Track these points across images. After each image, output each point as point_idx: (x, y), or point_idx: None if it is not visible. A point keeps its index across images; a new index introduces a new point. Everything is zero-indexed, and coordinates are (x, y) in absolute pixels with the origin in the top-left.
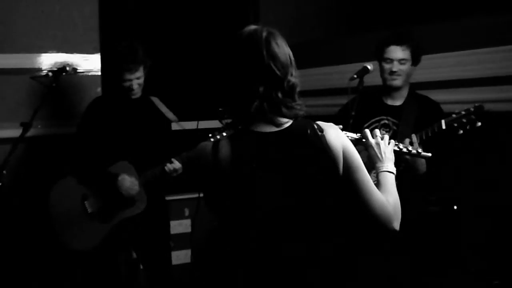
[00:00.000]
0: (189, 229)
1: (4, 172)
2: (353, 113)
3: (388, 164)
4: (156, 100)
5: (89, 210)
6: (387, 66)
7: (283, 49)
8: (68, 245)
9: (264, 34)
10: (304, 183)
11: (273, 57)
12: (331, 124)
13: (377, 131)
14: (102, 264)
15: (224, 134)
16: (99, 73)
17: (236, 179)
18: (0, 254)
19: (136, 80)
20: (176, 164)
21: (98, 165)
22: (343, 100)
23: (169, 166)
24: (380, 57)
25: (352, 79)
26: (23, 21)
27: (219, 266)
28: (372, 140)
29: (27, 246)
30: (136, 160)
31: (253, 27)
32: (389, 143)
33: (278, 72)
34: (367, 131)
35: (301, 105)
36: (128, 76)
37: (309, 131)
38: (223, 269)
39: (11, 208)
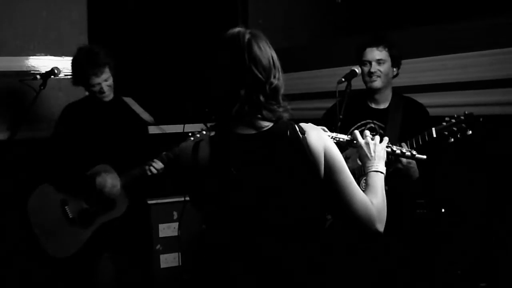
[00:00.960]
0: (177, 233)
1: None
2: (340, 116)
3: (378, 163)
4: (130, 101)
5: (70, 216)
6: (365, 68)
7: (265, 52)
8: (50, 252)
9: (247, 36)
10: (281, 185)
11: (255, 60)
12: (313, 125)
13: (367, 132)
14: (81, 270)
15: (204, 133)
16: None
17: (214, 180)
18: None
19: (105, 82)
20: (159, 164)
21: (75, 169)
22: (330, 103)
23: (152, 167)
24: (360, 61)
25: (340, 82)
26: (12, 24)
27: (207, 268)
28: (361, 140)
29: (7, 253)
30: (114, 162)
31: (236, 29)
32: (381, 142)
33: (259, 75)
34: (357, 132)
35: (284, 108)
36: (95, 80)
37: (288, 133)
38: (210, 271)
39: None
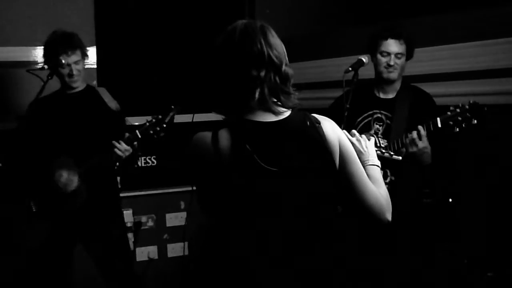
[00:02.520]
0: (184, 222)
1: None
2: (347, 106)
3: (373, 157)
4: (101, 90)
5: (34, 209)
6: (383, 59)
7: (278, 40)
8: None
9: (259, 24)
10: (304, 176)
11: (270, 45)
12: (326, 117)
13: (353, 131)
14: (55, 263)
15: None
16: (95, 66)
17: (236, 169)
18: None
19: (75, 65)
20: (123, 145)
21: (34, 162)
22: (338, 93)
23: (116, 148)
24: (375, 51)
25: (347, 71)
26: (19, 14)
27: (216, 260)
28: (352, 138)
29: None
30: (78, 152)
31: (244, 20)
32: (369, 139)
33: (276, 60)
34: (345, 131)
35: (295, 96)
36: (66, 59)
37: (308, 123)
38: (220, 263)
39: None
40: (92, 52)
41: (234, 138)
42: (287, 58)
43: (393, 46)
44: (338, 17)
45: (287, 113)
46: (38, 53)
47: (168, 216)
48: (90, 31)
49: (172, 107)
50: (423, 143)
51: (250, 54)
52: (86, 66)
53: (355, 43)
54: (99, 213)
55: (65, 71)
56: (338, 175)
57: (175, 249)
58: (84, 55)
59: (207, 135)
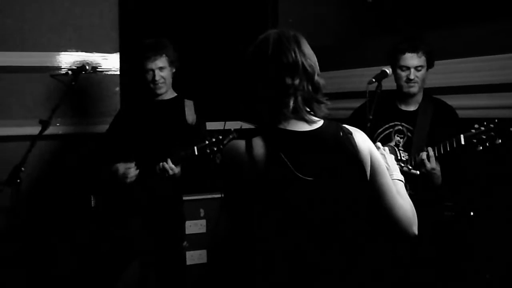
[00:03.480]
0: (204, 230)
1: (23, 169)
2: (370, 117)
3: (396, 172)
4: (188, 103)
5: (93, 204)
6: (403, 73)
7: (310, 49)
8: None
9: (292, 33)
10: (339, 186)
11: (304, 54)
12: (357, 128)
13: (378, 144)
14: (114, 269)
15: (231, 136)
16: (118, 73)
17: (271, 178)
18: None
19: (159, 71)
20: (169, 165)
21: (104, 164)
22: (358, 104)
23: (160, 166)
24: (395, 64)
25: (370, 82)
26: (44, 19)
27: (240, 268)
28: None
29: (42, 244)
30: (146, 159)
31: (277, 29)
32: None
33: (309, 69)
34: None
35: (326, 106)
36: (149, 65)
37: (341, 133)
38: (245, 271)
39: (28, 205)
40: (115, 58)
41: (268, 146)
42: (318, 68)
43: (411, 60)
44: (361, 28)
45: (320, 122)
46: (61, 59)
47: (187, 223)
48: (114, 37)
49: (232, 130)
50: (431, 165)
51: (285, 63)
52: (110, 72)
53: (378, 54)
54: (164, 223)
55: (149, 76)
56: (369, 186)
57: (194, 257)
58: (172, 63)
59: (241, 143)
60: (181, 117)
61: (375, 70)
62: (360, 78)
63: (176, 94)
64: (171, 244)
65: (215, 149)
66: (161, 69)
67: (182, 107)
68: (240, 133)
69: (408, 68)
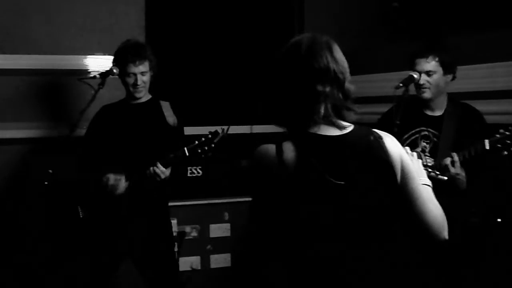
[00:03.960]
0: (228, 233)
1: (50, 171)
2: (397, 122)
3: (425, 177)
4: (164, 104)
5: (81, 215)
6: (417, 78)
7: (342, 55)
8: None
9: (324, 39)
10: (370, 190)
11: (336, 60)
12: (387, 133)
13: (407, 148)
14: (102, 273)
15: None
16: None
17: (301, 182)
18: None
19: (141, 75)
20: (160, 168)
21: (88, 169)
22: (383, 108)
23: (151, 170)
24: (411, 69)
25: (397, 87)
26: (71, 23)
27: (266, 271)
28: None
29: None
30: (130, 163)
31: (309, 34)
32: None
33: (340, 75)
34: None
35: (356, 112)
36: (132, 69)
37: (371, 138)
38: (270, 275)
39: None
40: None
41: (299, 151)
42: (349, 74)
43: (421, 65)
44: (386, 32)
45: (350, 127)
46: (89, 62)
47: (212, 227)
48: (141, 41)
49: (222, 128)
50: (456, 170)
51: (317, 69)
52: None
53: (403, 58)
54: (147, 223)
55: (130, 80)
56: (399, 191)
57: (218, 260)
58: (152, 68)
59: (271, 147)
60: (160, 119)
61: (400, 74)
62: (383, 83)
63: (150, 96)
64: (161, 248)
65: (206, 148)
66: (143, 74)
67: (159, 108)
68: (253, 138)
69: (420, 74)
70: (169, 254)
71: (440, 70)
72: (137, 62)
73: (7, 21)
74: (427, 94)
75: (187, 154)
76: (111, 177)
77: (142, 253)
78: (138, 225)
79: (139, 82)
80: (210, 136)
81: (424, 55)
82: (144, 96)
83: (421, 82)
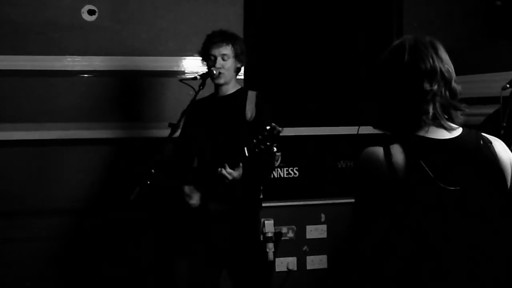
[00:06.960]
0: (324, 235)
1: (153, 171)
2: (504, 124)
3: None
4: (251, 94)
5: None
6: None
7: (446, 55)
8: None
9: (428, 39)
10: (481, 196)
11: (442, 60)
12: (495, 137)
13: None
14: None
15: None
16: (242, 77)
17: (411, 186)
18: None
19: (221, 59)
20: (227, 170)
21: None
22: (488, 110)
23: (219, 172)
24: None
25: (504, 88)
26: (172, 25)
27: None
28: None
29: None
30: (211, 158)
31: (410, 35)
32: None
33: (446, 74)
34: None
35: (464, 112)
36: (213, 51)
37: (481, 142)
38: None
39: (159, 205)
40: None
41: (408, 154)
42: (455, 73)
43: None
44: (489, 31)
45: (459, 130)
46: (186, 64)
47: (308, 228)
48: None
49: (273, 124)
50: None
51: (423, 70)
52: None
53: (508, 58)
54: (231, 229)
55: (210, 63)
56: (509, 196)
57: (314, 262)
58: (238, 55)
59: (379, 150)
60: (239, 112)
61: (506, 75)
62: (487, 83)
63: (239, 87)
64: (249, 253)
65: (268, 144)
66: (224, 58)
67: (243, 100)
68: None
69: None
70: (257, 258)
71: None
72: (218, 43)
73: (115, 26)
74: None
75: (247, 154)
76: (186, 189)
77: (231, 262)
78: (221, 232)
79: (217, 65)
80: (266, 133)
81: None
82: (230, 86)
83: None
